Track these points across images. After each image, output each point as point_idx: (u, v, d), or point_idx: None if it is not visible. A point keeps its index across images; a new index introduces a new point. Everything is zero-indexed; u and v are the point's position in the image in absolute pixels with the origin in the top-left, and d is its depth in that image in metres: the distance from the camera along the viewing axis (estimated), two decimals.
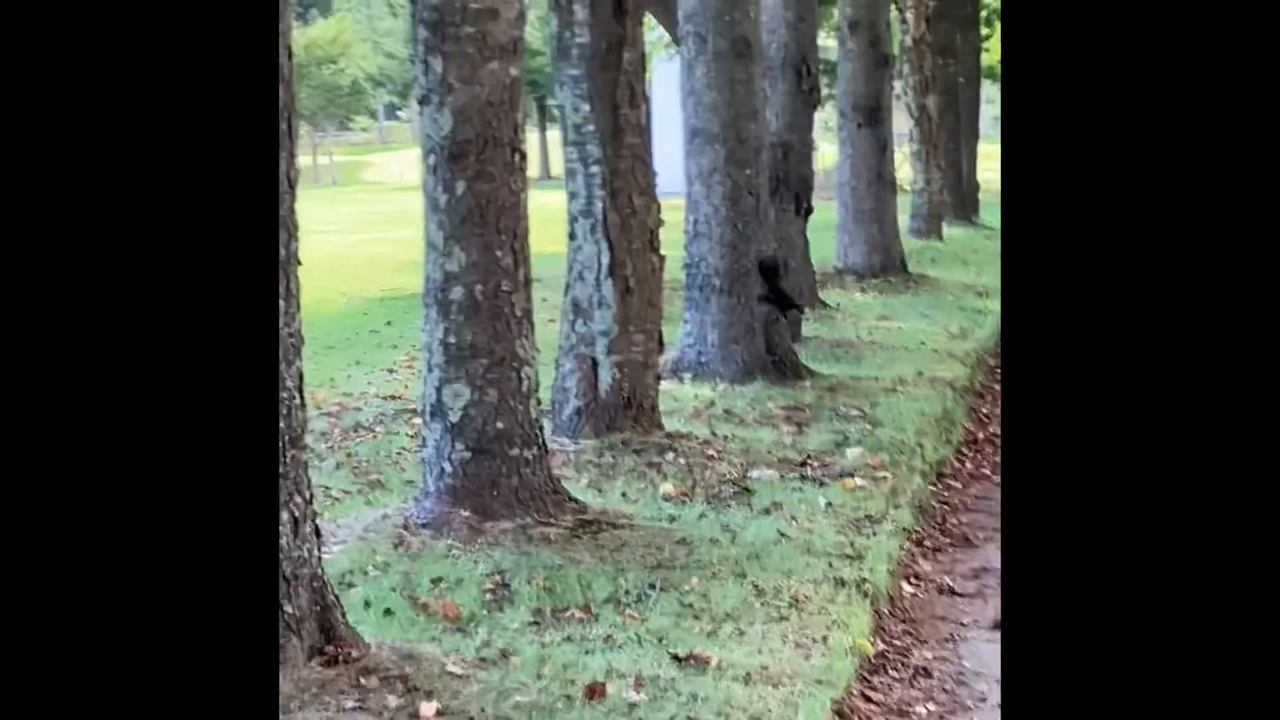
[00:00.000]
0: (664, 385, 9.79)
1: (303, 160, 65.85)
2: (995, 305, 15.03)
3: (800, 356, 11.01)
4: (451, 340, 6.46)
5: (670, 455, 7.96)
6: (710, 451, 8.13)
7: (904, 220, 20.50)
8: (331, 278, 17.64)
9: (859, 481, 7.72)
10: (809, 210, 12.40)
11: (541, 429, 6.64)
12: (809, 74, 12.07)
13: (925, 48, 20.53)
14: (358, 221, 28.68)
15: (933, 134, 20.69)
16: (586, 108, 8.09)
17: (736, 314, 10.06)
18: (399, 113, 75.26)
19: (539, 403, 6.64)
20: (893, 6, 19.92)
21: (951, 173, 23.26)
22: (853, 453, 8.33)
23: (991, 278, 16.44)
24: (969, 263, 18.86)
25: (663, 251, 8.42)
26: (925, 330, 13.23)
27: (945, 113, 22.52)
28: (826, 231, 17.47)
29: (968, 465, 8.94)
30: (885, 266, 16.36)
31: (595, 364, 8.20)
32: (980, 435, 9.83)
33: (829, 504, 7.26)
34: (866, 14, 16.06)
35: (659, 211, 8.35)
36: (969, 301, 15.39)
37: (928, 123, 20.60)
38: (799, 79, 12.07)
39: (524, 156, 6.51)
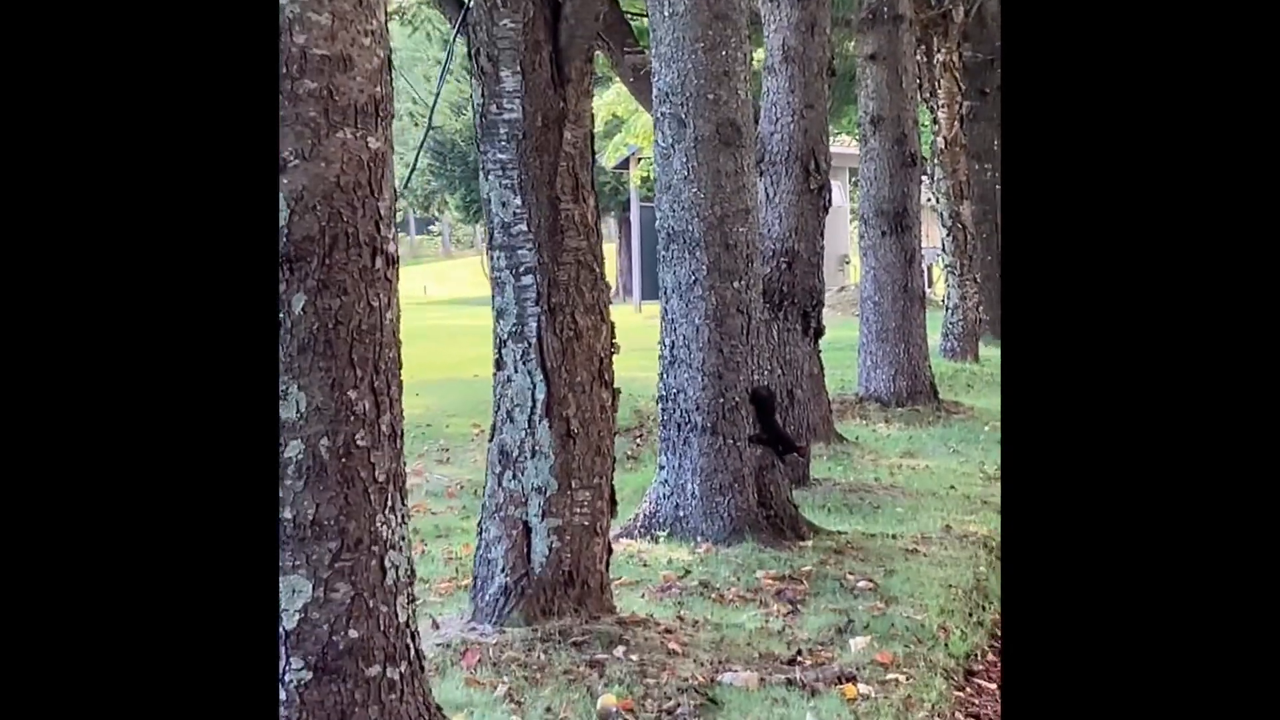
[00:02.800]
0: (633, 546, 7.98)
1: None
2: None
3: (804, 507, 9.15)
4: (286, 515, 4.61)
5: (620, 650, 6.11)
6: (673, 644, 6.27)
7: (936, 340, 18.70)
8: None
9: (862, 689, 5.87)
10: (820, 330, 10.59)
11: (415, 636, 4.79)
12: (818, 170, 10.29)
13: (959, 150, 18.75)
14: None
15: (967, 244, 18.87)
16: (517, 201, 6.33)
17: (722, 458, 8.23)
18: (431, 226, 74.63)
19: (412, 600, 4.79)
20: (923, 106, 18.21)
21: (989, 287, 21.40)
22: (857, 643, 6.47)
23: None
24: None
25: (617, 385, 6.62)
26: (956, 470, 11.36)
27: (981, 222, 20.74)
28: (850, 352, 15.63)
29: None
30: (912, 393, 14.48)
31: (528, 529, 6.38)
32: None
33: None
34: (891, 109, 14.30)
35: (611, 334, 6.55)
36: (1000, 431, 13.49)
37: (961, 232, 18.79)
38: (806, 176, 10.29)
39: (393, 261, 4.72)
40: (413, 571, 4.75)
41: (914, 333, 14.61)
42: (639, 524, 8.31)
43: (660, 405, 8.42)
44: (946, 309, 19.10)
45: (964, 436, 13.17)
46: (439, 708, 4.89)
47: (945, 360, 18.60)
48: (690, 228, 8.23)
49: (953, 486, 10.53)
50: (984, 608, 7.58)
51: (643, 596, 7.13)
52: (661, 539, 8.19)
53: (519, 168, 6.32)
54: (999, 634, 7.37)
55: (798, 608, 7.06)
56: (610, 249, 55.87)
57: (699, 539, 8.16)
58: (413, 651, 4.75)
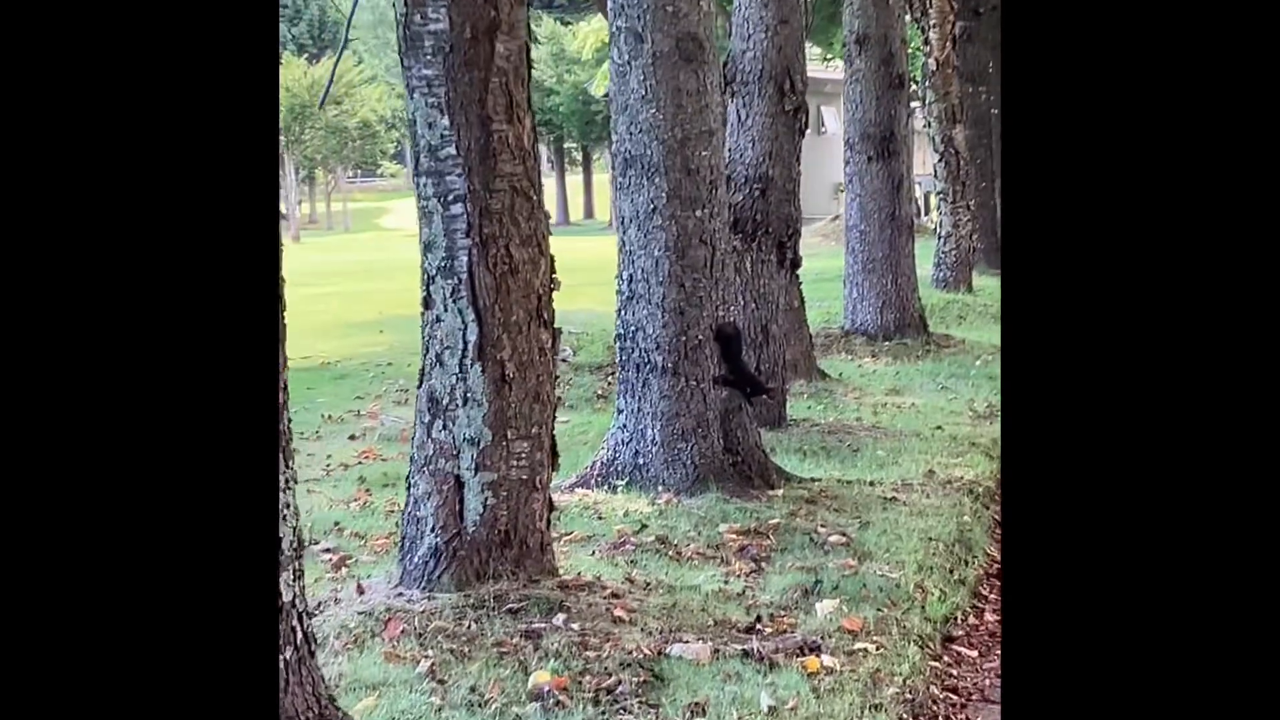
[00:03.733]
0: (589, 497, 7.39)
1: (318, 207, 64.82)
2: None
3: (778, 451, 8.56)
4: None
5: (560, 618, 5.52)
6: (620, 610, 5.68)
7: (927, 270, 18.08)
8: None
9: (826, 660, 5.29)
10: (796, 261, 9.95)
11: (303, 617, 4.18)
12: (793, 90, 9.61)
13: (951, 72, 18.00)
14: (324, 272, 26.36)
15: (960, 170, 18.16)
16: (445, 121, 5.69)
17: (684, 401, 7.61)
18: None
19: (299, 576, 4.17)
20: (913, 26, 17.50)
21: (984, 214, 20.73)
22: (824, 608, 5.88)
23: None
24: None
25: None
26: (944, 409, 10.75)
27: (976, 147, 20.06)
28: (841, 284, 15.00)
29: (987, 617, 6.44)
30: (901, 326, 13.85)
31: (460, 484, 5.78)
32: None
33: (773, 709, 4.82)
34: (877, 27, 13.60)
35: (551, 268, 5.93)
36: (999, 369, 12.86)
37: (954, 158, 18.08)
38: (780, 96, 9.61)
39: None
40: (300, 543, 4.13)
41: (902, 263, 13.97)
42: (595, 472, 7.71)
43: (618, 344, 7.80)
44: (939, 237, 18.41)
45: (954, 372, 12.55)
46: (331, 699, 4.29)
47: (937, 291, 17.95)
48: (649, 151, 7.59)
49: (939, 427, 9.92)
50: (966, 562, 6.98)
51: (593, 554, 6.53)
52: (620, 489, 7.58)
53: (446, 84, 5.68)
54: (981, 591, 6.78)
55: (761, 566, 6.46)
56: (604, 180, 55.04)
57: (660, 489, 7.55)
58: (299, 635, 4.14)
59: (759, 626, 5.64)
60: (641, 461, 7.62)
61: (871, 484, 8.03)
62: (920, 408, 10.79)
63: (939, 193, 18.34)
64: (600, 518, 7.19)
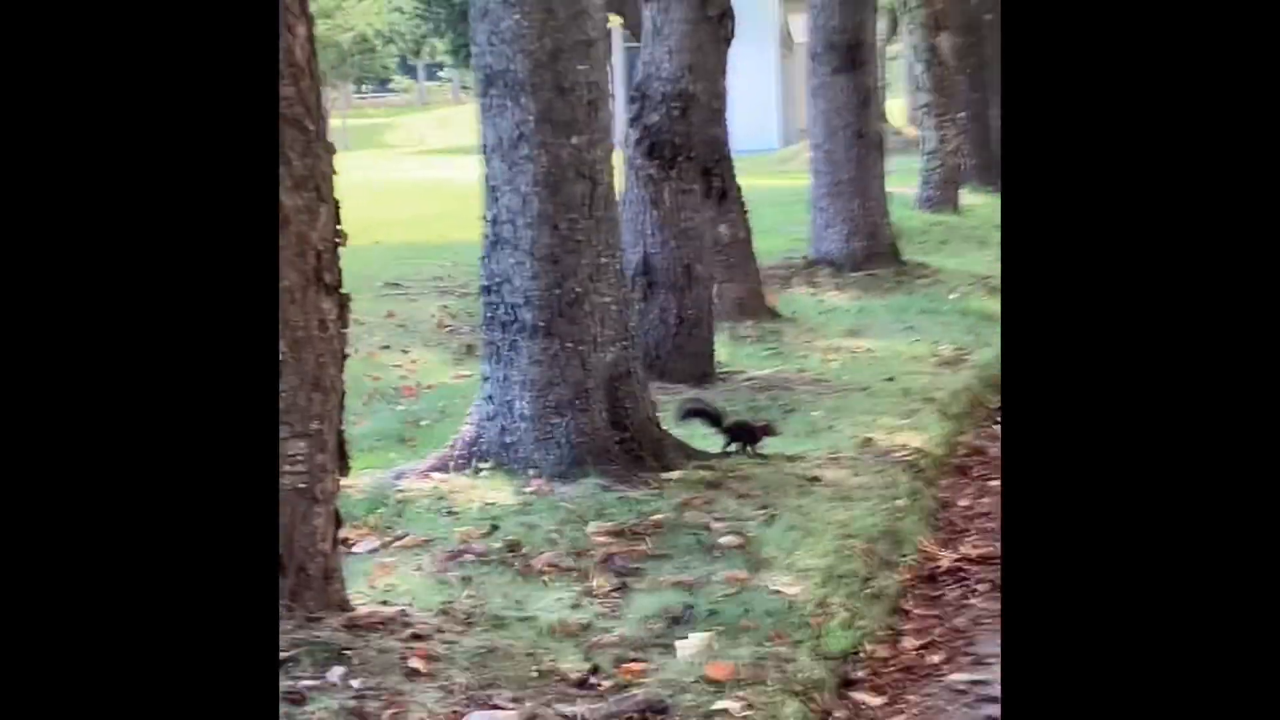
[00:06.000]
0: (447, 484, 6.16)
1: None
2: None
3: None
4: None
5: (338, 672, 4.26)
6: (418, 659, 4.41)
7: (909, 192, 16.74)
8: None
9: None
10: (724, 191, 8.63)
11: None
12: None
13: None
14: None
15: (946, 81, 16.74)
16: None
17: (559, 368, 6.32)
18: (441, 72, 72.86)
19: None
20: None
21: (976, 128, 19.33)
22: (691, 645, 4.62)
23: None
24: (987, 243, 14.96)
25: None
26: (904, 354, 9.48)
27: (966, 55, 18.64)
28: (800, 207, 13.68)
29: (904, 645, 5.15)
30: (870, 255, 12.54)
31: None
32: (945, 562, 6.03)
33: None
34: None
35: (335, 218, 4.63)
36: (976, 303, 11.55)
37: (939, 67, 16.66)
38: (703, 1, 8.26)
39: None
40: None
41: (871, 185, 12.63)
42: (457, 453, 6.43)
43: (483, 299, 6.50)
44: (923, 153, 17.00)
45: (925, 307, 11.26)
46: None
47: (922, 212, 16.59)
48: (513, 66, 6.26)
49: (892, 378, 8.63)
50: (891, 565, 5.71)
51: (418, 570, 5.27)
52: (484, 473, 6.30)
53: None
54: (903, 606, 5.51)
55: (627, 582, 5.20)
56: None
57: (530, 472, 6.27)
58: None
59: (593, 680, 4.37)
60: (509, 440, 6.34)
61: (792, 459, 6.75)
62: (878, 353, 9.52)
63: (922, 105, 16.94)
64: (452, 512, 5.94)
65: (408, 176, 31.23)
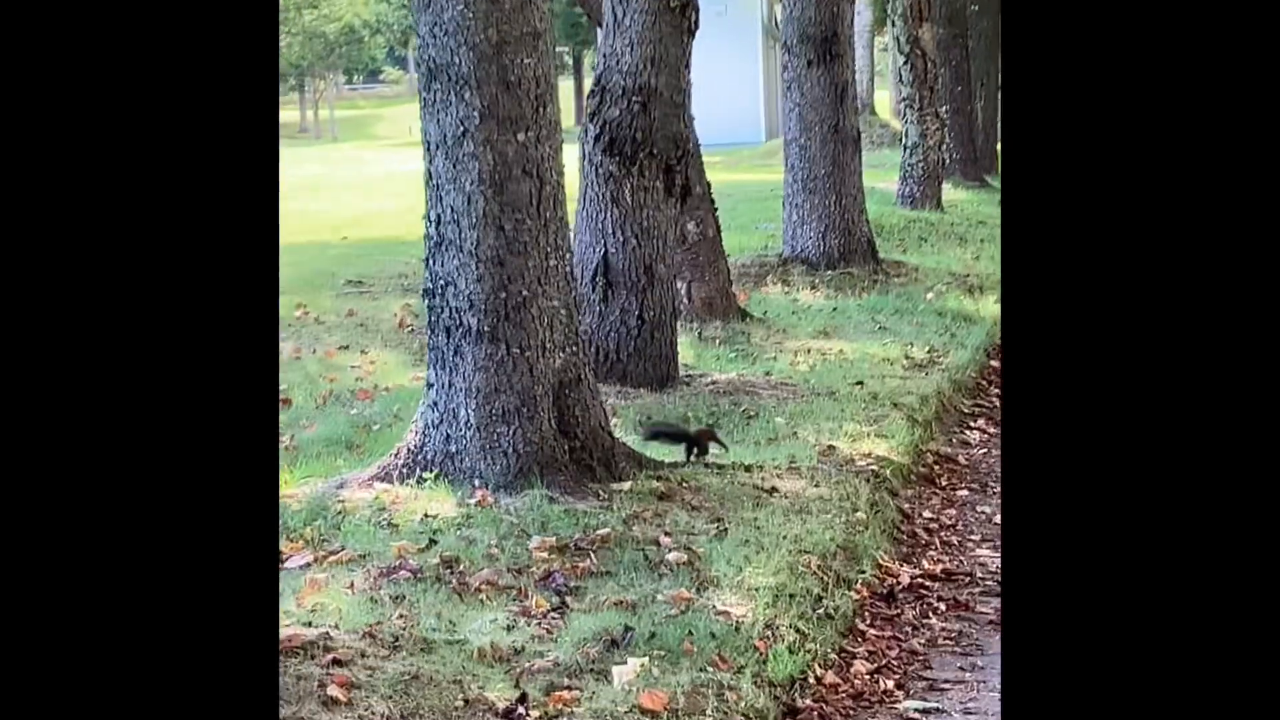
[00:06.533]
0: (388, 494, 5.91)
1: (309, 115, 63.40)
2: (991, 307, 10.99)
3: (654, 419, 7.04)
4: None
5: None
6: (337, 688, 4.17)
7: (888, 188, 16.50)
8: None
9: None
10: (687, 188, 8.37)
11: None
12: None
13: None
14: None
15: (927, 74, 16.49)
16: None
17: (505, 374, 6.06)
18: None
19: None
20: None
21: (960, 122, 19.08)
22: (627, 671, 4.39)
23: (995, 262, 12.39)
24: (968, 240, 14.74)
25: None
26: (875, 356, 9.23)
27: (950, 48, 18.38)
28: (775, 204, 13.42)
29: (857, 668, 4.90)
30: (846, 253, 12.27)
31: None
32: (904, 578, 5.79)
33: None
34: None
35: None
36: (953, 302, 11.30)
37: (920, 59, 16.39)
38: None
39: None
40: None
41: (847, 181, 12.37)
42: (401, 462, 6.19)
43: (425, 302, 6.25)
44: (904, 149, 16.74)
45: (900, 307, 11.01)
46: None
47: (902, 209, 16.33)
48: (456, 59, 6.01)
49: (861, 382, 8.39)
50: (846, 583, 5.47)
51: (349, 588, 5.02)
52: (428, 483, 6.05)
53: None
54: (858, 626, 5.27)
55: (566, 602, 4.96)
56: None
57: (475, 483, 6.03)
58: None
59: (520, 710, 4.13)
60: (454, 449, 6.09)
61: (749, 469, 6.50)
62: (849, 355, 9.26)
63: (904, 99, 16.67)
64: (391, 525, 5.69)
65: (400, 169, 30.91)
